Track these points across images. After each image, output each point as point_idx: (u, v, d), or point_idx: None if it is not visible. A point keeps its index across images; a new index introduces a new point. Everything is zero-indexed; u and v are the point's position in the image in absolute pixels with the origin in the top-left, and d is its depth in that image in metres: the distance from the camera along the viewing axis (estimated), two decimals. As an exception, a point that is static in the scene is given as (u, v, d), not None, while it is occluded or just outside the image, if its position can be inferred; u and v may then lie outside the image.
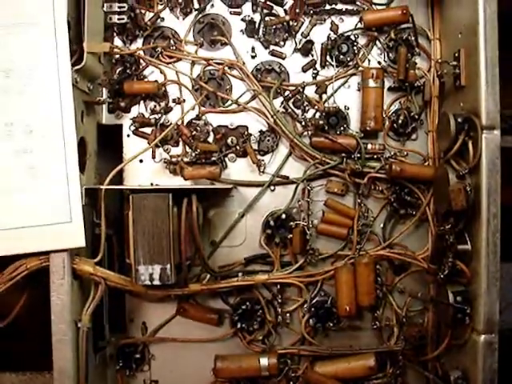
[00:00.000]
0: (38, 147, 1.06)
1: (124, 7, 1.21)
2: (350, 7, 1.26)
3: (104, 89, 1.25)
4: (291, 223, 1.22)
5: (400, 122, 1.24)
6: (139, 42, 1.27)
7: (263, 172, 1.24)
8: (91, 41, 1.13)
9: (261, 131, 1.25)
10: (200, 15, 1.26)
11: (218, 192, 1.23)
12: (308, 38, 1.26)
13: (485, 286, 1.08)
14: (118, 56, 1.25)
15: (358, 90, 1.26)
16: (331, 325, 1.24)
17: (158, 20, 1.26)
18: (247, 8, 1.27)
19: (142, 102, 1.26)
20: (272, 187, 1.25)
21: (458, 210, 1.10)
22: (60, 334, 1.07)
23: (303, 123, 1.24)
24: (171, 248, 1.07)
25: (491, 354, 1.09)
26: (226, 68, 1.25)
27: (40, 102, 1.06)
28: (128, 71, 1.24)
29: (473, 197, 1.09)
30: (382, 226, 1.25)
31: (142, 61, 1.26)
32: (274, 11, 1.26)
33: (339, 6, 1.26)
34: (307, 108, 1.25)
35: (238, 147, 1.24)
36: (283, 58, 1.26)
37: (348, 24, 1.27)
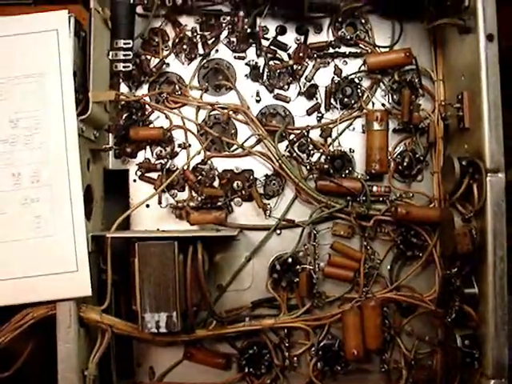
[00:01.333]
0: (45, 196, 1.07)
1: (129, 55, 1.22)
2: (353, 50, 1.28)
3: (110, 135, 1.26)
4: (298, 267, 1.22)
5: (405, 163, 1.24)
6: (145, 88, 1.28)
7: (269, 216, 1.25)
8: (97, 89, 1.14)
9: (266, 175, 1.26)
10: (205, 60, 1.28)
11: (224, 237, 1.23)
12: (312, 82, 1.27)
13: (493, 330, 1.07)
14: (123, 102, 1.26)
15: (363, 133, 1.26)
16: (339, 368, 1.23)
17: (164, 66, 1.27)
18: (251, 53, 1.28)
19: (147, 147, 1.27)
20: (278, 231, 1.25)
21: (464, 254, 1.09)
22: (66, 381, 1.07)
23: (308, 167, 1.25)
24: (177, 296, 1.08)
25: (505, 401, 1.08)
26: (231, 112, 1.26)
27: (46, 152, 1.08)
28: (134, 117, 1.26)
29: (479, 240, 1.08)
30: (388, 268, 1.25)
31: (147, 106, 1.27)
32: (277, 55, 1.27)
33: (342, 49, 1.28)
34: (312, 152, 1.26)
35: (243, 191, 1.24)
36: (288, 102, 1.27)
37: (351, 67, 1.28)
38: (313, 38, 1.28)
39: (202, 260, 1.09)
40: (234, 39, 1.28)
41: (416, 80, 1.25)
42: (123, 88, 1.28)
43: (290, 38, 1.28)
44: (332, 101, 1.27)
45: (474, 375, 1.12)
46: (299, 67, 1.27)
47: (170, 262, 1.07)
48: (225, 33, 1.28)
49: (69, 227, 1.07)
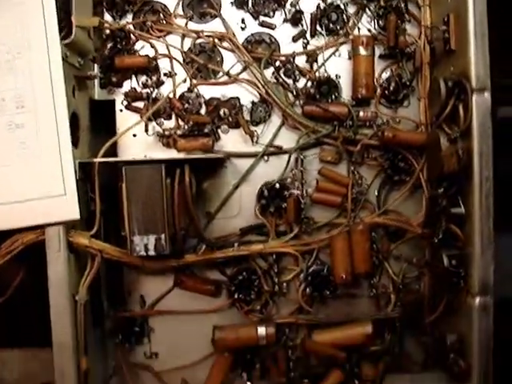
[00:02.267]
0: (30, 122, 1.06)
1: (112, -18, 1.20)
2: (338, -24, 1.26)
3: (96, 65, 1.25)
4: (285, 193, 1.22)
5: (391, 89, 1.24)
6: (129, 18, 1.26)
7: (256, 143, 1.24)
8: (80, 15, 1.13)
9: (253, 102, 1.25)
10: (189, -12, 1.26)
11: (211, 163, 1.23)
12: (297, 8, 1.25)
13: (479, 248, 1.08)
14: (108, 32, 1.25)
15: (349, 59, 1.25)
16: (328, 293, 1.24)
17: (147, -6, 1.25)
18: (236, -21, 1.26)
19: (133, 76, 1.26)
20: (265, 157, 1.25)
21: (450, 174, 1.10)
22: (58, 308, 1.08)
23: (295, 93, 1.24)
24: (165, 218, 1.08)
25: (486, 316, 1.09)
26: (217, 40, 1.24)
27: (30, 77, 1.06)
28: (119, 46, 1.24)
29: (465, 160, 1.09)
30: (376, 193, 1.25)
31: (132, 35, 1.25)
32: (262, -18, 1.26)
33: (327, -25, 1.26)
34: (298, 77, 1.25)
35: (230, 118, 1.24)
36: (273, 29, 1.26)
37: (337, -8, 1.26)
38: (297, -37, 1.26)
39: (189, 182, 1.09)
40: (218, -34, 1.26)
41: (402, 5, 1.24)
42: (107, 17, 1.26)
43: (274, -37, 1.26)
44: (318, 27, 1.25)
45: (460, 294, 1.13)
46: (284, -7, 1.25)
47: (157, 184, 1.07)
48: (208, -40, 1.26)
49: (55, 152, 1.06)
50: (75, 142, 1.14)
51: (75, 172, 1.09)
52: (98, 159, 1.12)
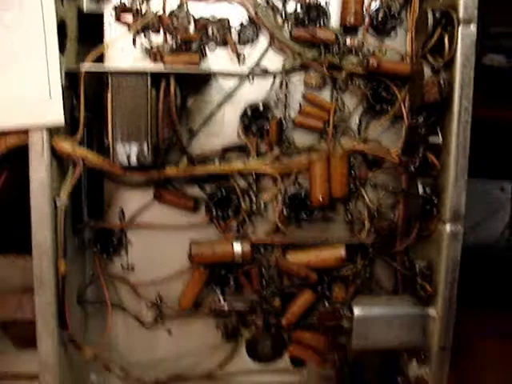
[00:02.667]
0: (17, 23, 1.06)
1: None
2: None
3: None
4: (268, 114, 1.24)
5: (380, 19, 1.24)
6: None
7: (243, 63, 1.25)
8: None
9: (241, 24, 1.25)
10: None
11: (196, 80, 1.23)
12: None
13: (453, 177, 1.12)
14: None
15: (339, -15, 1.25)
16: (304, 216, 1.27)
17: None
18: None
19: (123, -11, 1.25)
20: (251, 78, 1.25)
21: (430, 103, 1.13)
22: (39, 211, 1.09)
23: (284, 16, 1.24)
24: (149, 128, 1.09)
25: (456, 243, 1.14)
26: (207, -42, 1.24)
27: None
28: (108, -43, 1.23)
29: (446, 91, 1.11)
30: (357, 121, 1.27)
31: None
32: None
33: None
34: (288, 1, 1.24)
35: (218, 37, 1.23)
36: (265, -49, 1.25)
37: None
38: None
39: (174, 94, 1.10)
40: None
41: None
42: None
43: None
44: (308, -50, 1.25)
45: (432, 222, 1.17)
46: None
47: (142, 94, 1.08)
48: None
49: (42, 56, 1.07)
50: (62, 50, 1.13)
51: (61, 79, 1.09)
52: (85, 68, 1.11)
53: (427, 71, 1.16)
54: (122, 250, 1.32)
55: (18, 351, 1.27)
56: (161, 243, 1.31)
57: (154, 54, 1.22)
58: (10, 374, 1.38)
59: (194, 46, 1.22)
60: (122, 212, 1.30)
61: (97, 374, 1.38)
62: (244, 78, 1.25)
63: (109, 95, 1.09)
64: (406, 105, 1.24)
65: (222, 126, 1.27)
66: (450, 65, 1.11)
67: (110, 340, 1.32)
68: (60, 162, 1.14)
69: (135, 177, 1.24)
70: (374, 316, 1.19)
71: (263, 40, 1.25)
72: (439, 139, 1.15)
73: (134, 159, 1.09)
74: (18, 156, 1.10)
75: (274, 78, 1.24)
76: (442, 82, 1.11)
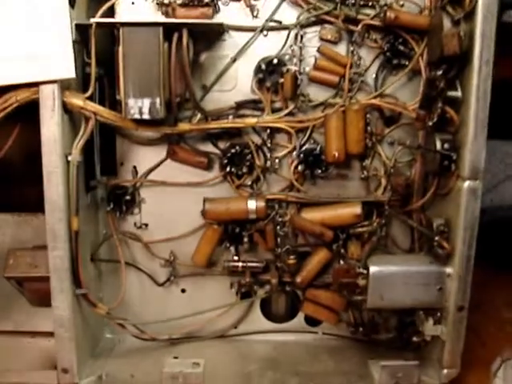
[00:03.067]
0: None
1: None
2: None
3: None
4: (283, 69, 1.21)
5: (397, -31, 1.21)
6: None
7: (256, 16, 1.22)
8: None
9: (255, -24, 1.22)
10: None
11: (209, 34, 1.21)
12: None
13: (472, 133, 1.09)
14: None
15: None
16: (319, 172, 1.25)
17: None
18: None
19: None
20: (265, 32, 1.22)
21: (450, 56, 1.09)
22: (51, 167, 1.08)
23: (298, -33, 1.21)
24: (161, 83, 1.07)
25: (474, 200, 1.11)
26: None
27: None
28: None
29: (467, 43, 1.08)
30: (374, 76, 1.24)
31: None
32: None
33: None
34: (302, -49, 1.21)
35: (231, -10, 1.21)
36: None
37: None
38: None
39: (186, 47, 1.07)
40: None
41: None
42: None
43: None
44: None
45: (450, 178, 1.14)
46: None
47: (154, 47, 1.06)
48: None
49: (52, 9, 1.05)
50: (72, 4, 1.10)
51: (71, 33, 1.07)
52: (95, 20, 1.09)
53: (447, 23, 1.12)
54: (136, 208, 1.31)
55: (35, 309, 1.27)
56: (174, 201, 1.30)
57: (165, 7, 1.19)
58: (26, 331, 1.38)
59: (207, -1, 1.19)
60: (135, 170, 1.29)
61: (111, 331, 1.38)
62: (258, 32, 1.22)
63: (120, 49, 1.07)
64: (424, 59, 1.20)
65: (236, 81, 1.24)
66: (470, 16, 1.08)
67: (124, 298, 1.31)
68: (72, 118, 1.13)
69: (148, 132, 1.23)
70: (389, 274, 1.17)
71: (278, -8, 1.21)
72: (458, 93, 1.12)
73: (146, 113, 1.07)
74: (31, 112, 1.08)
75: (289, 31, 1.21)
76: (462, 34, 1.08)
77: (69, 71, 1.05)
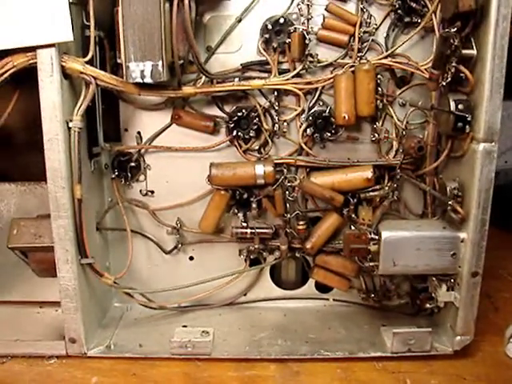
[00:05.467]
0: None
1: None
2: None
3: None
4: (290, 28, 1.16)
5: None
6: None
7: (262, -26, 1.17)
8: None
9: None
10: None
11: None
12: None
13: (488, 92, 1.04)
14: None
15: None
16: (329, 135, 1.21)
17: None
18: None
19: None
20: (271, -10, 1.18)
21: (465, 12, 1.04)
22: (51, 134, 1.05)
23: None
24: (163, 45, 1.03)
25: (489, 162, 1.07)
26: None
27: None
28: None
29: (482, -2, 1.03)
30: (384, 35, 1.19)
31: None
32: None
33: None
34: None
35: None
36: None
37: None
38: None
39: (188, 6, 1.03)
40: None
41: None
42: None
43: None
44: None
45: (465, 140, 1.10)
46: None
47: (155, 8, 1.01)
48: None
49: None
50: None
51: (68, -6, 1.03)
52: (93, -23, 1.05)
53: (461, -24, 1.06)
54: (141, 175, 1.29)
55: (42, 279, 1.25)
56: (180, 167, 1.28)
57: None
58: (35, 302, 1.37)
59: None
60: (140, 135, 1.26)
61: (120, 300, 1.37)
62: (263, -10, 1.17)
63: (119, 10, 1.02)
64: (438, 16, 1.15)
65: (241, 43, 1.20)
66: (486, -32, 1.02)
67: (132, 267, 1.29)
68: (72, 83, 1.09)
69: (151, 97, 1.19)
70: (402, 239, 1.14)
71: None
72: (474, 51, 1.07)
73: (148, 77, 1.03)
74: (31, 78, 1.05)
75: (296, -11, 1.16)
76: (477, -12, 1.02)
77: (66, 34, 1.01)
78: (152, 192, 1.29)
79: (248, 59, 1.20)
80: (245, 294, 1.38)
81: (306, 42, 1.17)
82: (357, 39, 1.17)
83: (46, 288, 1.31)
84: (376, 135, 1.23)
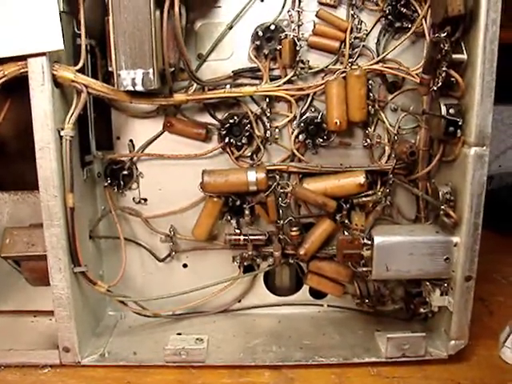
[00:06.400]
0: None
1: None
2: None
3: None
4: (281, 35, 1.16)
5: None
6: None
7: (252, -20, 1.18)
8: None
9: None
10: None
11: (203, 0, 1.16)
12: None
13: (478, 96, 1.04)
14: None
15: None
16: (321, 141, 1.21)
17: None
18: None
19: None
20: (261, -3, 1.18)
21: (455, 16, 1.04)
22: (43, 142, 1.05)
23: None
24: (154, 52, 1.03)
25: (481, 166, 1.07)
26: None
27: None
28: None
29: (471, 3, 1.03)
30: (375, 40, 1.19)
31: None
32: None
33: None
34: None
35: (225, -47, 1.16)
36: None
37: None
38: None
39: (178, 13, 1.03)
40: None
41: None
42: None
43: None
44: None
45: (456, 145, 1.10)
46: None
47: (145, 16, 1.02)
48: None
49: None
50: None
51: (59, 3, 1.03)
52: (82, -15, 1.05)
53: (450, -19, 1.07)
54: (134, 183, 1.29)
55: (36, 288, 1.25)
56: (173, 175, 1.27)
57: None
58: (28, 311, 1.36)
59: (202, -36, 1.15)
60: (132, 143, 1.26)
61: (114, 309, 1.36)
62: (254, -3, 1.17)
63: (110, 18, 1.02)
64: (428, 20, 1.15)
65: (233, 50, 1.20)
66: (474, -28, 1.02)
67: (126, 275, 1.29)
68: (63, 92, 1.09)
69: (143, 105, 1.19)
70: (395, 244, 1.14)
71: None
72: (464, 55, 1.07)
73: (139, 84, 1.04)
74: (22, 88, 1.05)
75: (287, -5, 1.16)
76: (466, -8, 1.03)
77: (57, 43, 1.01)
78: (145, 200, 1.29)
79: (239, 66, 1.20)
80: (239, 301, 1.38)
81: (297, 48, 1.17)
82: (348, 45, 1.17)
83: (40, 297, 1.31)
84: (368, 140, 1.23)
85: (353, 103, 1.16)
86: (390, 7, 1.16)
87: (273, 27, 1.16)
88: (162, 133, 1.25)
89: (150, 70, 1.03)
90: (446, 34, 1.06)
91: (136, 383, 1.15)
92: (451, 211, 1.11)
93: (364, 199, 1.23)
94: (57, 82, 1.06)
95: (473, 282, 1.13)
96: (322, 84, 1.18)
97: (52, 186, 1.07)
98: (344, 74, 1.17)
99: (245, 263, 1.31)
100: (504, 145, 2.03)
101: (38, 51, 1.01)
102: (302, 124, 1.21)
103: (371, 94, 1.19)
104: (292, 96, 1.19)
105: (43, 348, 1.21)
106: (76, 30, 1.11)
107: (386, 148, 1.23)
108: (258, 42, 1.17)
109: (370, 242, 1.15)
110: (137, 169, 1.27)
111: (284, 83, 1.18)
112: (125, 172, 1.26)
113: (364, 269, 1.17)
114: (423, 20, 1.15)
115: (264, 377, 1.16)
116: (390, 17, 1.17)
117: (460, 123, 1.08)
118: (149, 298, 1.30)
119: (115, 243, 1.30)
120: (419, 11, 1.15)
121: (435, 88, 1.10)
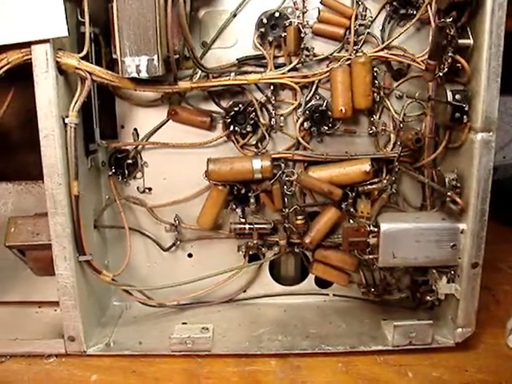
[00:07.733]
0: None
1: None
2: None
3: None
4: (285, 22, 1.16)
5: None
6: None
7: (256, -33, 1.17)
8: None
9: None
10: None
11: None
12: None
13: (485, 81, 1.03)
14: None
15: None
16: (326, 128, 1.21)
17: None
18: None
19: None
20: (266, -16, 1.17)
21: (460, 1, 1.04)
22: (47, 130, 1.05)
23: None
24: (158, 39, 1.02)
25: (487, 152, 1.07)
26: None
27: None
28: None
29: (478, -13, 1.02)
30: (380, 27, 1.18)
31: None
32: None
33: None
34: None
35: None
36: None
37: None
38: None
39: (182, 1, 1.03)
40: None
41: None
42: None
43: None
44: None
45: (462, 131, 1.10)
46: None
47: (150, 2, 1.01)
48: None
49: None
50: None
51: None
52: (86, -27, 1.05)
53: (455, -34, 1.06)
54: (138, 172, 1.28)
55: (41, 279, 1.25)
56: (178, 163, 1.27)
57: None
58: (34, 301, 1.36)
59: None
60: (137, 132, 1.25)
61: (119, 299, 1.36)
62: (258, -16, 1.17)
63: (114, 5, 1.02)
64: (433, 7, 1.14)
65: (237, 38, 1.20)
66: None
67: (130, 264, 1.29)
68: (67, 79, 1.09)
69: (148, 93, 1.19)
70: (401, 231, 1.13)
71: None
72: (470, 41, 1.07)
73: (144, 71, 1.03)
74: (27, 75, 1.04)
75: (290, -18, 1.15)
76: (470, -35, 1.02)
77: (61, 29, 1.01)
78: (149, 189, 1.29)
79: (244, 54, 1.20)
80: (244, 291, 1.37)
81: (302, 35, 1.16)
82: (352, 32, 1.17)
83: (45, 288, 1.30)
84: (373, 128, 1.22)
85: (358, 90, 1.16)
86: (395, -7, 1.15)
87: (277, 14, 1.16)
88: (167, 121, 1.24)
89: (155, 57, 1.02)
90: (451, 19, 1.05)
91: (141, 372, 1.15)
92: (457, 197, 1.11)
93: (370, 187, 1.22)
94: (61, 69, 1.06)
95: (479, 269, 1.12)
96: (327, 71, 1.17)
97: (57, 173, 1.07)
98: (349, 62, 1.16)
99: (250, 252, 1.30)
100: (508, 136, 2.03)
101: (42, 38, 1.01)
102: (307, 112, 1.20)
103: (376, 81, 1.19)
104: (297, 83, 1.18)
105: (48, 337, 1.20)
106: (80, 17, 1.10)
107: (392, 135, 1.23)
108: (262, 30, 1.17)
109: (376, 230, 1.14)
110: (141, 158, 1.27)
111: (289, 71, 1.18)
112: (129, 161, 1.26)
113: (370, 256, 1.17)
114: (428, 6, 1.14)
115: (270, 365, 1.16)
116: (394, 3, 1.16)
117: (466, 109, 1.07)
118: (154, 288, 1.29)
119: (120, 232, 1.30)
120: (424, -3, 1.14)
121: (441, 74, 1.10)
